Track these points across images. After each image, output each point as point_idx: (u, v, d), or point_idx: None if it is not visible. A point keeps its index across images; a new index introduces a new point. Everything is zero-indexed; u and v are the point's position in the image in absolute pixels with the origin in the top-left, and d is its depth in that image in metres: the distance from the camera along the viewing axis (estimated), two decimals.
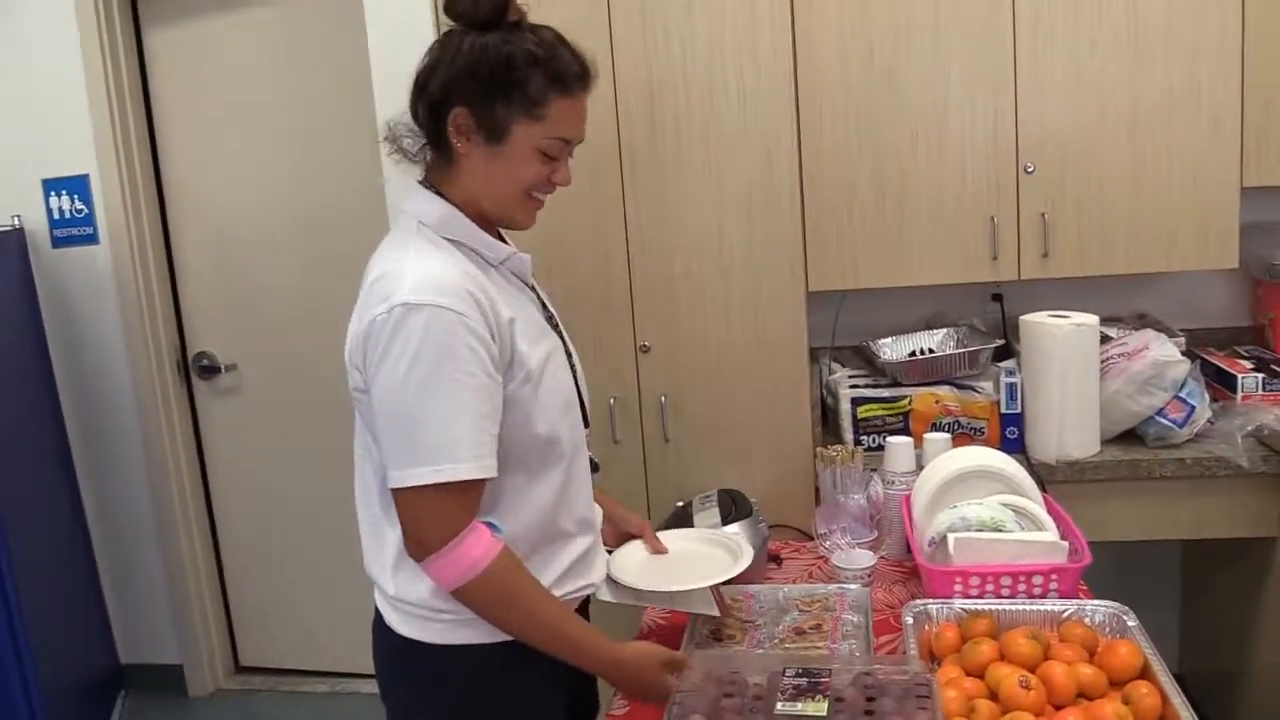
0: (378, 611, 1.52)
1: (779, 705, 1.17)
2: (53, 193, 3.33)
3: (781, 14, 2.36)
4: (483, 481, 1.35)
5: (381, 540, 1.46)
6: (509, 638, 1.44)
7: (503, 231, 1.56)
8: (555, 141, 1.42)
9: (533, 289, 1.58)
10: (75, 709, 3.17)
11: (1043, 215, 2.47)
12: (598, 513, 1.69)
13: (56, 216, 3.35)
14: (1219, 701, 2.68)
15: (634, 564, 1.73)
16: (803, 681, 1.21)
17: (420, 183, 1.47)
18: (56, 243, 3.37)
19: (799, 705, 1.17)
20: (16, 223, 3.29)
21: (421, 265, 1.34)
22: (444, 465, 1.30)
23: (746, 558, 1.67)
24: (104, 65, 3.18)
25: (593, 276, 2.43)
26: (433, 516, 1.32)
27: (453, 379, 1.30)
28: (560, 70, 1.40)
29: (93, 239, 3.34)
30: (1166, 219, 2.45)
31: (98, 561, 3.51)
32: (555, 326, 1.58)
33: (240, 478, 3.53)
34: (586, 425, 1.62)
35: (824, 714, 1.14)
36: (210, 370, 3.44)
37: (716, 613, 1.69)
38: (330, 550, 3.32)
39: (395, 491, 1.33)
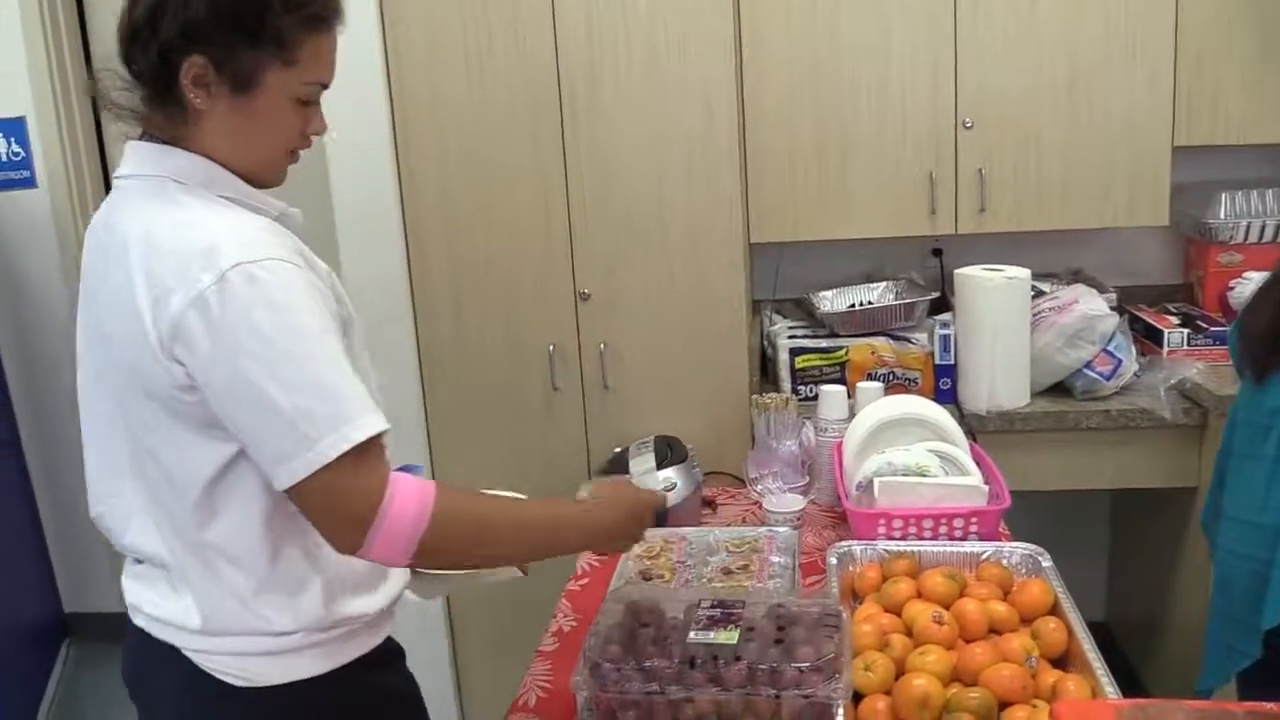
0: (203, 680, 1.25)
1: (692, 634, 1.20)
2: None
3: None
4: (385, 438, 1.18)
5: (217, 579, 1.22)
6: (383, 638, 1.34)
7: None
8: (312, 86, 1.24)
9: None
10: (18, 658, 3.16)
11: (980, 171, 2.51)
12: None
13: None
14: (1143, 648, 2.78)
15: None
16: (717, 613, 1.24)
17: (141, 139, 1.24)
18: None
19: (711, 634, 1.20)
20: None
21: (225, 222, 1.16)
22: (353, 423, 1.12)
23: None
24: (39, 4, 3.11)
25: (533, 224, 2.43)
26: (358, 485, 1.13)
27: (318, 337, 1.14)
28: (313, 6, 1.21)
29: (30, 183, 3.27)
30: (1100, 176, 2.50)
31: (39, 510, 3.49)
32: None
33: None
34: None
35: (734, 642, 1.18)
36: None
37: (522, 573, 1.53)
38: None
39: (303, 484, 1.11)
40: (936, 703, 1.28)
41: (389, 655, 1.38)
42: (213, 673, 1.24)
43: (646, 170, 2.40)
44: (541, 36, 2.35)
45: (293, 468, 1.11)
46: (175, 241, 1.13)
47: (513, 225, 2.44)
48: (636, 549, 1.84)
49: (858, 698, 1.31)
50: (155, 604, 1.28)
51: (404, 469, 1.20)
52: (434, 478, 2.56)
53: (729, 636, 1.19)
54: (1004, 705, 1.28)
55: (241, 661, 1.24)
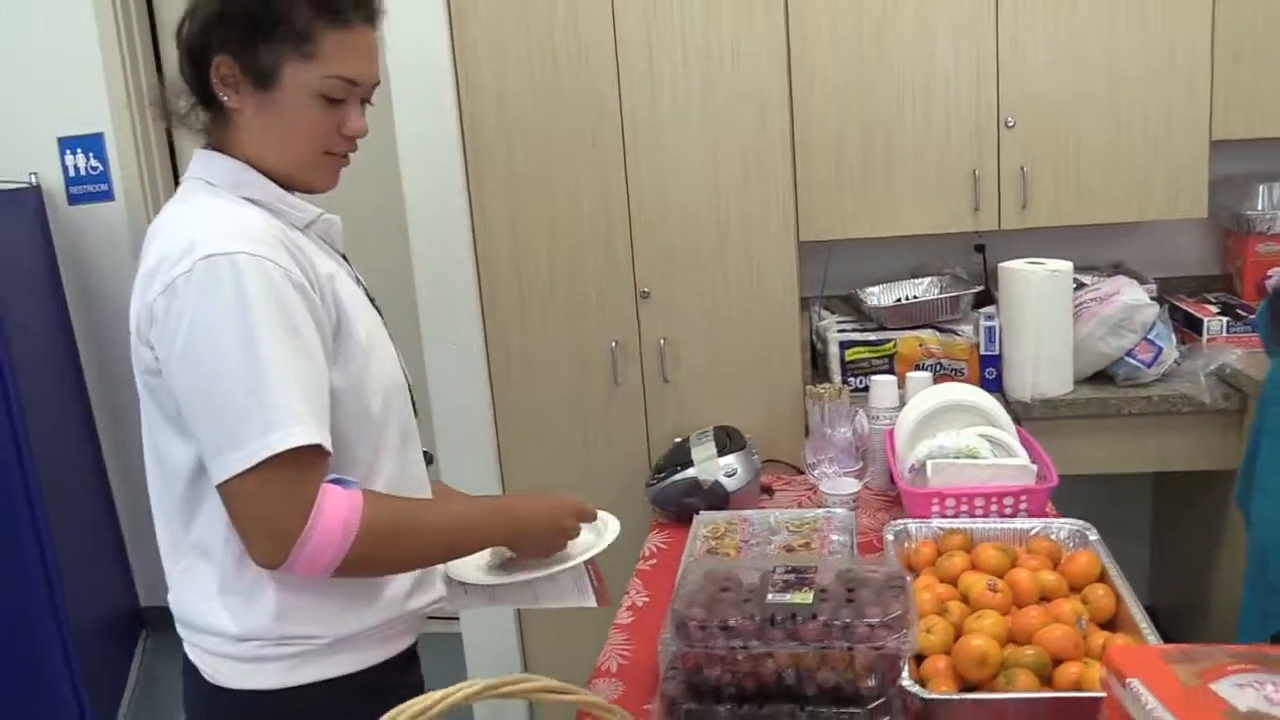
0: (195, 676, 1.28)
1: (770, 596, 1.31)
2: (68, 151, 3.44)
3: None
4: (326, 455, 1.17)
5: (192, 572, 1.25)
6: (364, 666, 1.30)
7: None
8: (335, 82, 1.23)
9: (345, 260, 1.38)
10: (101, 651, 3.30)
11: (1022, 168, 2.60)
12: None
13: (72, 174, 3.46)
14: (1186, 631, 2.84)
15: (478, 562, 1.47)
16: (791, 577, 1.35)
17: (202, 147, 1.30)
18: (73, 200, 3.48)
19: (788, 596, 1.31)
20: (34, 180, 3.39)
21: (220, 217, 1.19)
22: (282, 431, 1.11)
23: (613, 530, 1.49)
24: (116, 26, 3.29)
25: (595, 226, 2.56)
26: (281, 497, 1.12)
27: (277, 337, 1.13)
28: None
29: (108, 196, 3.45)
30: (1140, 171, 2.59)
31: (117, 507, 3.65)
32: (374, 304, 1.39)
33: None
34: (416, 415, 1.44)
35: (810, 602, 1.28)
36: None
37: (592, 602, 1.48)
38: None
39: (227, 484, 1.13)
40: (994, 660, 1.37)
41: (371, 688, 1.30)
42: (194, 662, 1.28)
43: (702, 174, 2.52)
44: (603, 48, 2.47)
45: (221, 464, 1.12)
46: (171, 234, 1.18)
47: (576, 228, 2.56)
48: (703, 530, 1.96)
49: (919, 659, 1.41)
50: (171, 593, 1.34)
51: (335, 481, 1.18)
52: (501, 468, 2.70)
53: (804, 597, 1.30)
54: (1057, 663, 1.38)
55: (205, 658, 1.27)
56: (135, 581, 3.70)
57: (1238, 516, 2.49)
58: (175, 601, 1.30)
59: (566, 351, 2.62)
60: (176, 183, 3.44)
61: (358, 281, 1.38)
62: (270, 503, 1.13)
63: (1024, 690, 1.31)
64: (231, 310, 1.12)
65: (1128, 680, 1.07)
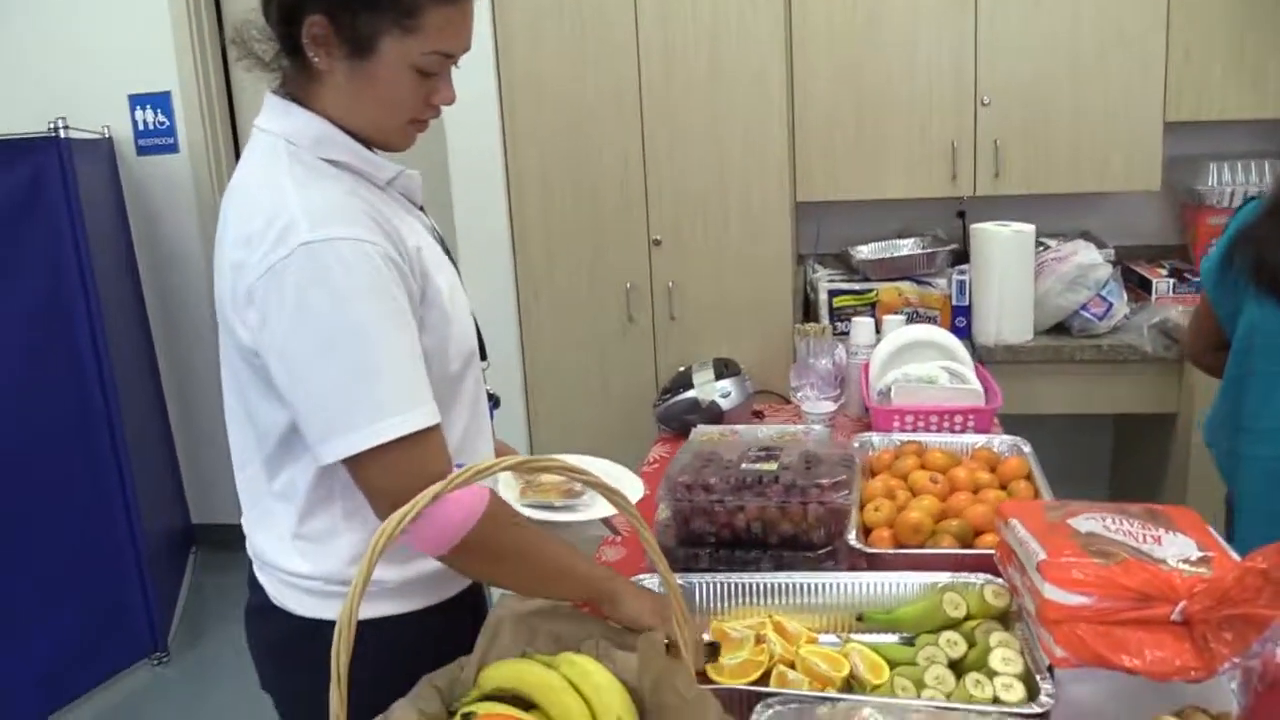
0: (261, 593, 1.33)
1: (744, 465, 1.65)
2: (138, 107, 3.79)
3: None
4: (439, 427, 1.19)
5: (269, 515, 1.29)
6: (425, 604, 1.32)
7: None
8: (434, 57, 1.20)
9: (422, 210, 1.37)
10: (160, 562, 3.62)
11: (995, 142, 2.92)
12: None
13: (141, 128, 3.81)
14: None
15: (512, 498, 1.59)
16: (762, 454, 1.69)
17: (275, 93, 1.26)
18: (141, 151, 3.83)
19: (758, 465, 1.65)
20: (106, 132, 3.74)
21: (308, 194, 1.16)
22: (414, 411, 1.15)
23: (633, 489, 1.74)
24: None
25: (614, 181, 2.91)
26: (418, 469, 1.14)
27: (386, 317, 1.15)
28: None
29: (173, 149, 3.80)
30: (1100, 146, 2.90)
31: (173, 431, 4.00)
32: (448, 253, 1.37)
33: None
34: (484, 358, 1.44)
35: (775, 470, 1.63)
36: None
37: (613, 531, 1.74)
38: None
39: (358, 458, 1.14)
40: (927, 530, 1.70)
41: (427, 624, 1.33)
42: (263, 584, 1.33)
43: (710, 138, 2.86)
44: (624, 25, 2.82)
45: (328, 448, 1.14)
46: (263, 207, 1.15)
47: (598, 184, 2.92)
48: (698, 439, 2.29)
49: (868, 531, 1.74)
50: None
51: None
52: (527, 393, 3.05)
53: (770, 466, 1.64)
54: (979, 535, 1.71)
55: (274, 584, 1.32)
56: (187, 501, 4.07)
57: (1182, 453, 2.81)
58: (250, 534, 1.35)
59: (586, 291, 2.98)
60: (235, 137, 3.83)
61: (435, 234, 1.36)
62: (407, 474, 1.13)
63: (946, 548, 1.65)
64: (338, 300, 1.12)
65: (1009, 520, 1.41)
